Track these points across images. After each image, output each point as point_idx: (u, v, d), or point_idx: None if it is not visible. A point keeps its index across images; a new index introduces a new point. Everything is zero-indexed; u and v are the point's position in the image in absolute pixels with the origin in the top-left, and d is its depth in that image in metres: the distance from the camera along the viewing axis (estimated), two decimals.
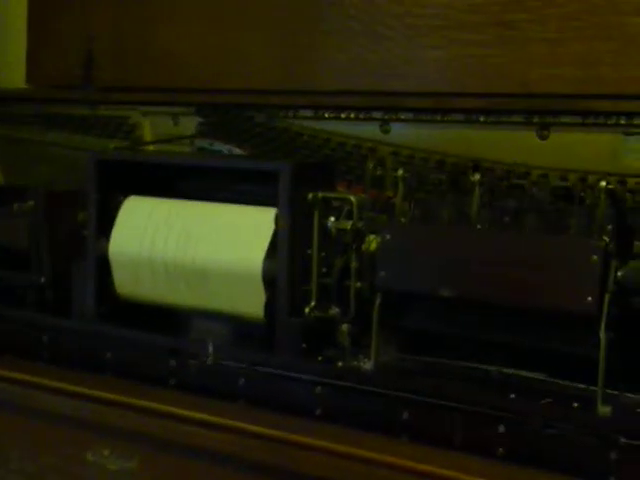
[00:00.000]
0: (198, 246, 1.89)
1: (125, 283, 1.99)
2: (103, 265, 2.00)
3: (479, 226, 1.68)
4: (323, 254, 1.79)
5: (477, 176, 1.68)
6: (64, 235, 2.11)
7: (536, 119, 1.86)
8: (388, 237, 1.69)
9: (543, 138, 1.85)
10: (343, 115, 2.06)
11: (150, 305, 1.98)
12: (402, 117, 1.99)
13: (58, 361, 2.00)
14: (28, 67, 2.61)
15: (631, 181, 1.76)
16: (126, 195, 2.01)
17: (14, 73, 2.68)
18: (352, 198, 1.77)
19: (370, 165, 1.82)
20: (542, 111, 1.86)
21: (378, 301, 1.70)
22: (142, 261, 1.95)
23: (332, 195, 1.80)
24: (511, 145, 1.86)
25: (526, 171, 1.81)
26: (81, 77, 2.45)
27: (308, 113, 2.11)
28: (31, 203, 2.14)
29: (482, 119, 1.90)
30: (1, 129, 2.61)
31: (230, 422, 1.69)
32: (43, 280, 2.11)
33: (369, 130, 2.02)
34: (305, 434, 1.62)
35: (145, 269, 1.95)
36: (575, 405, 1.52)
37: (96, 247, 2.00)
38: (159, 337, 1.90)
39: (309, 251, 1.79)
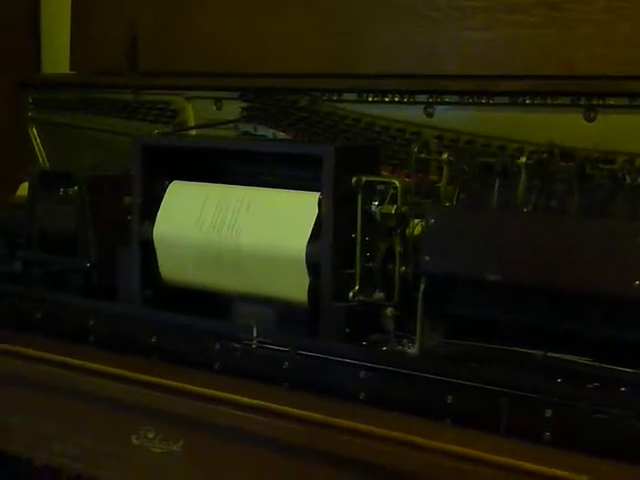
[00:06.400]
0: (242, 230, 1.89)
1: (170, 267, 2.00)
2: (148, 249, 2.01)
3: (525, 210, 1.67)
4: (367, 238, 1.78)
5: (523, 159, 1.66)
6: (109, 220, 2.12)
7: (582, 101, 1.83)
8: (432, 221, 1.68)
9: (590, 120, 1.83)
10: (387, 98, 2.05)
11: (194, 289, 1.98)
12: (447, 100, 1.98)
13: (103, 345, 2.01)
14: (72, 53, 2.62)
15: None
16: (170, 180, 2.02)
17: (58, 59, 2.70)
18: (396, 182, 1.77)
19: (414, 149, 1.81)
20: (588, 93, 1.83)
21: (423, 286, 1.69)
22: (186, 245, 1.95)
23: (376, 179, 1.79)
24: (558, 127, 1.85)
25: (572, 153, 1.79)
26: (124, 62, 2.46)
27: (352, 97, 2.10)
28: (76, 188, 2.15)
29: (528, 101, 1.89)
30: (46, 115, 2.63)
31: (274, 406, 1.70)
32: (89, 265, 2.12)
33: (413, 113, 2.01)
34: (349, 418, 1.62)
35: (189, 253, 1.95)
36: (622, 390, 1.51)
37: (141, 231, 2.01)
38: (203, 321, 1.91)
39: (353, 235, 1.78)
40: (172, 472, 1.82)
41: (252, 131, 2.24)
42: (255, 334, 1.81)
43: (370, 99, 2.08)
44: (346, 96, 2.12)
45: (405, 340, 1.74)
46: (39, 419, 2.02)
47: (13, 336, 2.11)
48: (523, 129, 1.87)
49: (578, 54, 1.86)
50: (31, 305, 2.15)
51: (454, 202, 1.74)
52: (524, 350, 1.64)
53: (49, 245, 2.21)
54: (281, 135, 2.20)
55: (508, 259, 1.60)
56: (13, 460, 1.99)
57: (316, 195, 1.81)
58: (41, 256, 2.23)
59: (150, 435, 1.84)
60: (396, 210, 1.75)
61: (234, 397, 1.74)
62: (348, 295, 1.77)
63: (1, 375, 2.07)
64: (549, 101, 1.87)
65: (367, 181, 1.78)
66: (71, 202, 2.16)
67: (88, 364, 1.94)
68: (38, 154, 2.65)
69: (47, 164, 2.63)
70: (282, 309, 1.90)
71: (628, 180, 1.62)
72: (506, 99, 1.91)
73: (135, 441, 1.86)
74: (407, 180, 1.79)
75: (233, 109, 2.28)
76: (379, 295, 1.77)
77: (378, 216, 1.77)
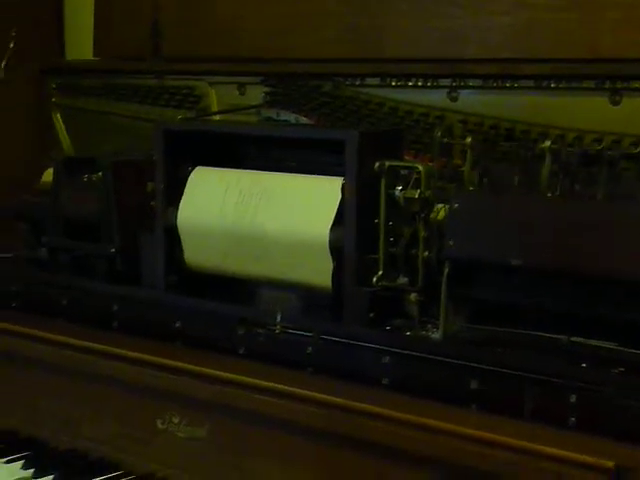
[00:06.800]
0: (265, 216, 1.89)
1: (194, 253, 2.01)
2: (172, 235, 2.01)
3: (549, 194, 1.66)
4: (390, 223, 1.78)
5: (548, 143, 1.66)
6: (133, 205, 2.12)
7: (608, 84, 1.82)
8: (456, 206, 1.68)
9: (615, 104, 1.81)
10: (410, 83, 2.04)
11: (218, 275, 1.99)
12: (470, 84, 1.97)
13: (128, 330, 2.02)
14: (95, 39, 2.63)
15: None
16: (193, 165, 2.02)
17: (82, 45, 2.71)
18: (420, 167, 1.76)
19: (438, 133, 1.80)
20: (614, 76, 1.82)
21: (446, 270, 1.68)
22: (210, 231, 1.96)
23: (399, 164, 1.79)
24: (582, 111, 1.83)
25: (598, 137, 1.77)
26: (148, 48, 2.46)
27: (375, 81, 2.09)
28: (100, 174, 2.16)
29: (552, 85, 1.87)
30: (70, 101, 2.64)
31: (298, 391, 1.70)
32: (113, 250, 2.13)
33: (437, 98, 2.00)
34: (373, 403, 1.62)
35: (213, 239, 1.96)
36: None
37: (165, 217, 2.02)
38: (228, 306, 1.92)
39: (376, 220, 1.78)
40: (197, 456, 1.83)
41: (275, 116, 2.23)
42: (279, 319, 1.81)
43: (393, 83, 2.07)
44: (369, 81, 2.10)
45: (429, 325, 1.74)
46: (65, 404, 2.03)
47: (39, 322, 2.12)
48: (548, 113, 1.86)
49: (603, 37, 1.84)
50: (56, 291, 2.16)
51: (478, 186, 1.74)
52: (548, 335, 1.64)
53: (74, 231, 2.22)
54: (304, 120, 2.19)
55: (532, 243, 1.60)
56: None
57: (339, 180, 1.81)
58: (65, 242, 2.24)
59: (175, 420, 1.85)
60: (420, 195, 1.75)
61: (258, 382, 1.75)
62: (372, 280, 1.77)
63: (28, 360, 2.09)
64: (574, 84, 1.85)
65: (390, 166, 1.77)
66: (95, 188, 2.17)
67: (113, 349, 1.95)
68: (62, 140, 2.65)
69: (71, 150, 2.64)
70: (306, 294, 1.90)
71: None
72: (530, 83, 1.90)
73: (160, 426, 1.87)
74: (430, 164, 1.79)
75: (256, 94, 2.28)
76: (403, 280, 1.76)
77: (402, 201, 1.77)
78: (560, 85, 1.86)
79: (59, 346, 2.03)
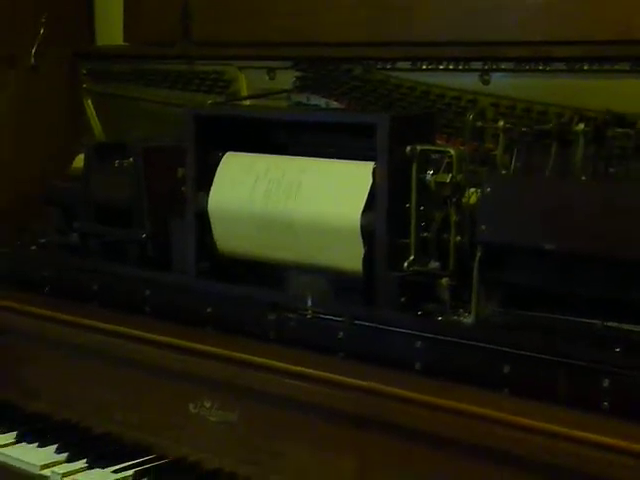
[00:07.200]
0: (296, 201, 1.89)
1: (224, 238, 2.01)
2: (202, 221, 2.02)
3: (583, 177, 1.64)
4: (422, 208, 1.77)
5: (581, 126, 1.64)
6: (164, 191, 2.13)
7: None
8: (489, 190, 1.67)
9: None
10: (442, 66, 2.03)
11: (249, 260, 1.99)
12: (503, 67, 1.95)
13: (159, 315, 2.03)
14: (125, 24, 2.63)
15: None
16: (224, 150, 2.02)
17: (112, 31, 2.71)
18: (451, 151, 1.75)
19: (470, 117, 1.79)
20: None
21: (478, 255, 1.68)
22: (241, 216, 1.96)
23: (431, 148, 1.78)
24: (617, 93, 1.81)
25: (632, 120, 1.75)
26: (178, 33, 2.46)
27: (406, 65, 2.08)
28: (131, 160, 2.17)
29: (586, 67, 1.85)
30: (101, 86, 2.64)
31: (329, 375, 1.70)
32: (144, 236, 2.13)
33: (469, 81, 1.99)
34: (405, 388, 1.62)
35: (244, 224, 1.96)
36: None
37: (196, 203, 2.02)
38: (259, 291, 1.92)
39: (407, 205, 1.77)
40: (228, 440, 1.83)
41: (305, 101, 2.23)
42: (310, 304, 1.81)
43: (425, 67, 2.06)
44: (400, 64, 2.09)
45: (461, 310, 1.73)
46: (98, 388, 2.05)
47: (71, 306, 2.14)
48: (581, 96, 1.84)
49: (635, 18, 1.82)
50: (88, 276, 2.17)
51: (510, 170, 1.72)
52: (582, 319, 1.63)
53: (105, 216, 2.23)
54: (334, 104, 2.19)
55: (566, 227, 1.58)
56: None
57: (370, 165, 1.80)
58: (97, 228, 2.25)
59: (207, 404, 1.86)
60: (451, 179, 1.74)
61: (289, 367, 1.75)
62: (403, 265, 1.77)
63: (61, 345, 2.10)
64: (607, 67, 1.83)
65: (422, 150, 1.76)
66: (126, 174, 2.17)
67: (145, 334, 1.96)
68: (93, 126, 2.66)
69: (102, 136, 2.65)
70: (337, 279, 1.89)
71: None
72: (563, 65, 1.88)
73: (192, 410, 1.88)
74: (462, 148, 1.78)
75: (286, 79, 2.27)
76: (434, 265, 1.76)
77: (433, 185, 1.76)
78: (594, 67, 1.84)
79: (91, 330, 2.04)
